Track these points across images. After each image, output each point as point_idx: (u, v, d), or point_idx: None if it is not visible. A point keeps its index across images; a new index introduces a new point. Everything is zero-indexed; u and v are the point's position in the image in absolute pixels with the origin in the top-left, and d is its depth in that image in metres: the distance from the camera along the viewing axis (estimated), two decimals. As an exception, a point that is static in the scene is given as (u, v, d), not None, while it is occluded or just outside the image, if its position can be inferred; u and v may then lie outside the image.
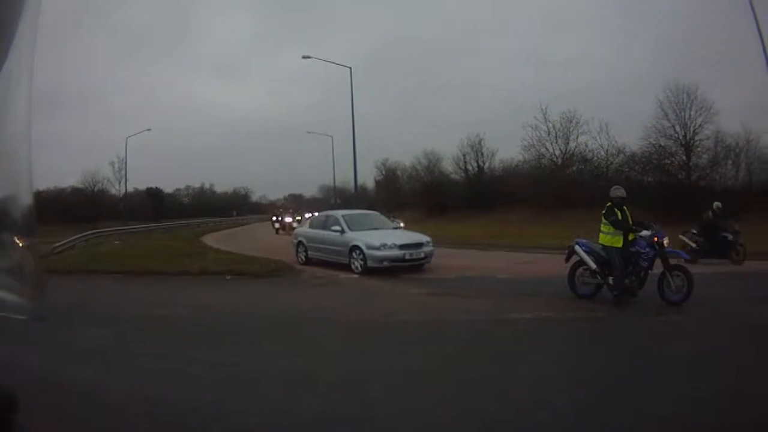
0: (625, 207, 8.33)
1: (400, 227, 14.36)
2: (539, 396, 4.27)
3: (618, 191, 8.43)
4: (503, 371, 5.03)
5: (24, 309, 0.77)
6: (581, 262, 8.66)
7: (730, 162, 29.15)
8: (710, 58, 49.57)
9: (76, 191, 52.91)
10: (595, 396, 4.29)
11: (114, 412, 3.95)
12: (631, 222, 8.24)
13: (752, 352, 5.42)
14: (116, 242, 23.26)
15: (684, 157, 29.58)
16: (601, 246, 8.38)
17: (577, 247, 8.72)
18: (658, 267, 8.02)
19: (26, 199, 0.78)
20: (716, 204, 13.61)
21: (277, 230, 30.80)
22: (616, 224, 8.15)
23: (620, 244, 8.14)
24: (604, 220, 8.30)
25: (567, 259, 8.90)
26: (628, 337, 6.74)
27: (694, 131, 29.25)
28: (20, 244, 0.79)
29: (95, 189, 54.38)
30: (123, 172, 47.85)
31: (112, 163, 51.73)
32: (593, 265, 8.43)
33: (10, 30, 0.72)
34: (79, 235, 21.69)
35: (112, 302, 9.28)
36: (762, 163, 28.57)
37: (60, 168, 63.22)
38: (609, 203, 8.34)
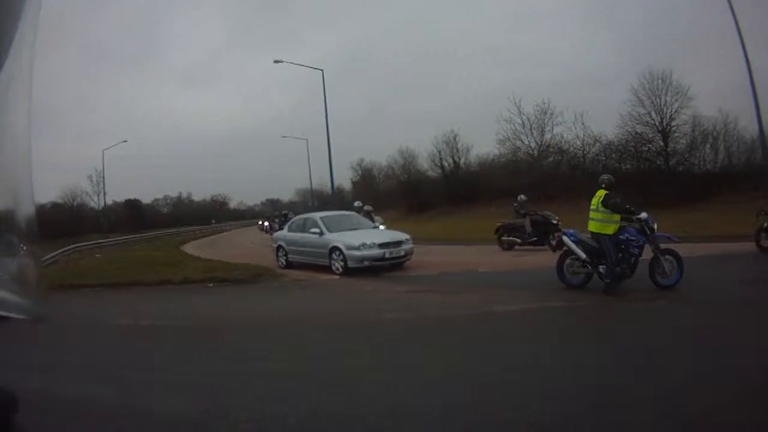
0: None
1: (378, 226, 14.37)
2: (530, 390, 4.17)
3: (610, 178, 8.49)
4: (490, 365, 4.97)
5: (25, 309, 0.76)
6: (569, 252, 8.56)
7: (708, 146, 29.08)
8: (681, 43, 49.93)
9: (55, 206, 52.28)
10: (588, 388, 4.16)
11: (102, 426, 3.92)
12: None
13: (745, 333, 5.45)
14: (97, 255, 22.95)
15: (661, 143, 29.39)
16: (589, 235, 8.32)
17: (564, 238, 8.66)
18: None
19: (27, 203, 0.78)
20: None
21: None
22: (617, 207, 8.09)
23: (611, 231, 8.08)
24: (600, 207, 8.18)
25: (554, 250, 8.89)
26: (621, 324, 6.70)
27: (670, 117, 29.05)
28: (22, 246, 0.78)
29: (74, 203, 54.12)
30: (101, 185, 47.47)
31: (90, 177, 51.47)
32: (583, 255, 8.34)
33: (10, 30, 0.71)
34: (61, 251, 21.43)
35: (96, 315, 9.13)
36: (742, 144, 28.34)
37: (39, 185, 61.91)
38: (603, 191, 8.25)
